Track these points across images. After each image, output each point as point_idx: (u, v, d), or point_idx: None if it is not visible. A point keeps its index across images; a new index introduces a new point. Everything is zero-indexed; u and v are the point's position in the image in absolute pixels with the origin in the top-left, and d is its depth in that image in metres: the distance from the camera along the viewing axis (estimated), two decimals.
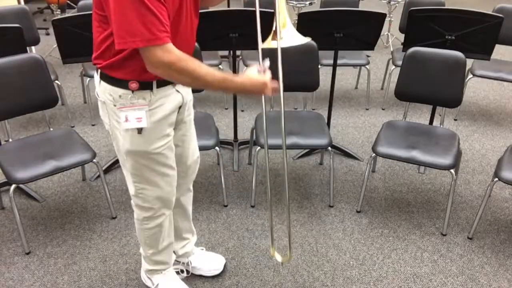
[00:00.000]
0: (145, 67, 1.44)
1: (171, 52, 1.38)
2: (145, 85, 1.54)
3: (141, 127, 1.57)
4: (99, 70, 1.58)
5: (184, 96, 1.70)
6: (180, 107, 1.70)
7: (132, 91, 1.53)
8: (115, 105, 1.56)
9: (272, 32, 1.52)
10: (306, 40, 1.52)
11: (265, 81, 1.52)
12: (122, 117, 1.56)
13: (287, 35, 1.50)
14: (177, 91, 1.64)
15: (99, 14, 1.46)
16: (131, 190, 1.76)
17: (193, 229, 2.15)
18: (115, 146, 1.69)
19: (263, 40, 1.55)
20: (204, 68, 1.44)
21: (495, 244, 2.41)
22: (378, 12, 2.69)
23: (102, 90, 1.59)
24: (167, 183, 1.74)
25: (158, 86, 1.56)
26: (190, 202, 2.06)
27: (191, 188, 2.02)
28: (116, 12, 1.33)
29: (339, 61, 3.41)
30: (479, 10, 2.74)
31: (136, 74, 1.51)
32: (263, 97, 1.61)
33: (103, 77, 1.57)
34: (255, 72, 1.53)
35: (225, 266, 2.20)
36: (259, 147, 2.54)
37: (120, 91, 1.54)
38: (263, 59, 1.54)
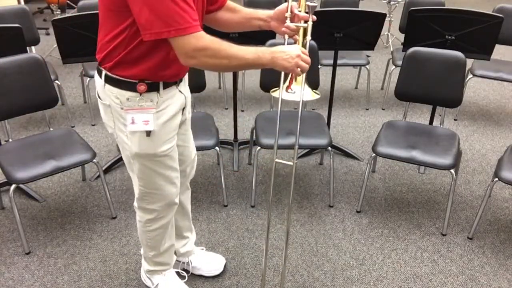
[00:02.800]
0: (160, 64, 1.45)
1: (204, 37, 1.37)
2: (153, 87, 1.53)
3: (148, 130, 1.56)
4: (103, 73, 1.54)
5: (186, 97, 1.70)
6: (183, 108, 1.71)
7: (140, 94, 1.52)
8: (122, 108, 1.55)
9: (287, 83, 1.63)
10: (316, 97, 1.66)
11: (298, 53, 1.48)
12: (128, 119, 1.55)
13: (298, 91, 1.61)
14: (180, 91, 1.65)
15: (111, 10, 1.42)
16: (137, 192, 1.75)
17: (192, 227, 2.16)
18: (121, 149, 1.68)
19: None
20: (235, 46, 1.42)
21: (495, 244, 2.41)
22: (378, 12, 2.69)
23: (108, 94, 1.55)
24: (172, 185, 1.74)
25: (164, 87, 1.56)
26: (188, 201, 2.06)
27: (189, 186, 2.03)
28: (146, 2, 1.30)
29: (339, 61, 3.41)
30: (479, 10, 2.74)
31: (149, 73, 1.50)
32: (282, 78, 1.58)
33: (109, 80, 1.53)
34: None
35: (225, 266, 2.20)
36: (259, 147, 2.54)
37: (127, 93, 1.52)
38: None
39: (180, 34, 1.34)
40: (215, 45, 1.39)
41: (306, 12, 1.60)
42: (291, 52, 1.48)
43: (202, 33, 1.37)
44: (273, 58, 1.47)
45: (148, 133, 1.57)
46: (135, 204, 1.80)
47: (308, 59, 1.52)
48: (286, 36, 1.62)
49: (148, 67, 1.49)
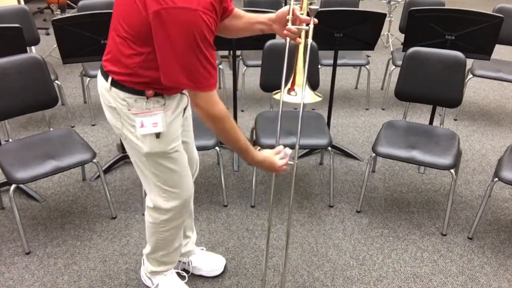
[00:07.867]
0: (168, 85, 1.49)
1: (217, 103, 1.47)
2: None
3: (158, 132, 1.58)
4: (110, 77, 1.55)
5: (188, 97, 1.71)
6: (185, 108, 1.72)
7: (147, 97, 1.54)
8: (129, 110, 1.56)
9: (289, 85, 1.68)
10: (317, 99, 1.72)
11: (279, 167, 1.67)
12: (137, 123, 1.56)
13: (300, 93, 1.66)
14: (182, 92, 1.66)
15: (133, 35, 1.44)
16: (152, 192, 1.74)
17: (193, 226, 2.16)
18: (129, 149, 1.68)
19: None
20: (237, 132, 1.57)
21: (495, 244, 2.41)
22: (378, 12, 2.69)
23: (114, 97, 1.56)
24: (186, 182, 1.76)
25: None
26: (191, 199, 2.07)
27: (193, 184, 2.04)
28: (172, 52, 1.35)
29: (339, 61, 3.41)
30: (479, 10, 2.74)
31: (156, 89, 1.54)
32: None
33: (116, 84, 1.54)
34: (273, 153, 1.68)
35: (225, 266, 2.20)
36: (259, 147, 2.53)
37: (134, 96, 1.54)
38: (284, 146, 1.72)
39: (201, 91, 1.44)
40: (226, 120, 1.52)
41: (308, 15, 1.60)
42: (273, 165, 1.67)
43: (215, 95, 1.47)
44: (259, 165, 1.67)
45: (158, 135, 1.59)
46: (149, 205, 1.79)
47: (284, 166, 1.69)
48: (288, 39, 1.62)
49: (156, 88, 1.53)
